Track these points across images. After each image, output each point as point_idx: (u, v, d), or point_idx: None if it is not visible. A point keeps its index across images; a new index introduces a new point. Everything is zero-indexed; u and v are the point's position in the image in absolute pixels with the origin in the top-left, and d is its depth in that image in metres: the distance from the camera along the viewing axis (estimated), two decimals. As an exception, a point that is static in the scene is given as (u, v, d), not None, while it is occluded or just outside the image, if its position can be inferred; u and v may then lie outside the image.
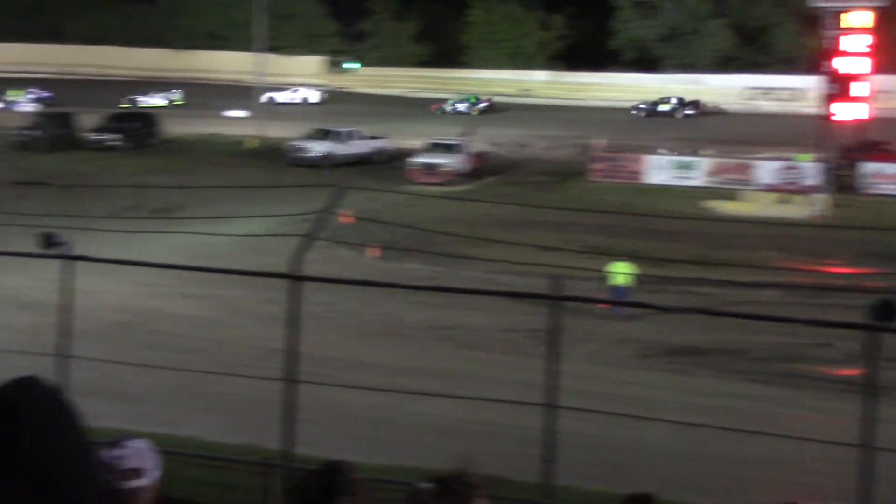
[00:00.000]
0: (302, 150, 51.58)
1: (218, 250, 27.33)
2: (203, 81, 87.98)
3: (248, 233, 28.69)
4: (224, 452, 14.87)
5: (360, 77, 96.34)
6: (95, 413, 2.36)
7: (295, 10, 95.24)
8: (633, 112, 77.58)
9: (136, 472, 3.91)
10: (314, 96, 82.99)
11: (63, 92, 75.77)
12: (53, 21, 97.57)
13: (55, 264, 11.81)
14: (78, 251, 11.73)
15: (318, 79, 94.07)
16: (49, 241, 11.37)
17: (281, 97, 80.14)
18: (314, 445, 12.25)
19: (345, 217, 26.85)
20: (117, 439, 3.96)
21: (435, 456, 12.32)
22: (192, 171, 47.02)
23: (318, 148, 51.31)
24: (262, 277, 14.24)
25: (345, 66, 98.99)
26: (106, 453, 3.77)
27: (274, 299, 14.24)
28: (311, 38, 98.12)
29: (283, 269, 11.63)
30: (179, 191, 37.46)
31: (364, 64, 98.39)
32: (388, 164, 50.75)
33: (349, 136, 52.91)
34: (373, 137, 54.07)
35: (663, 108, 78.20)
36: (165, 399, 18.22)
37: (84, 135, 55.89)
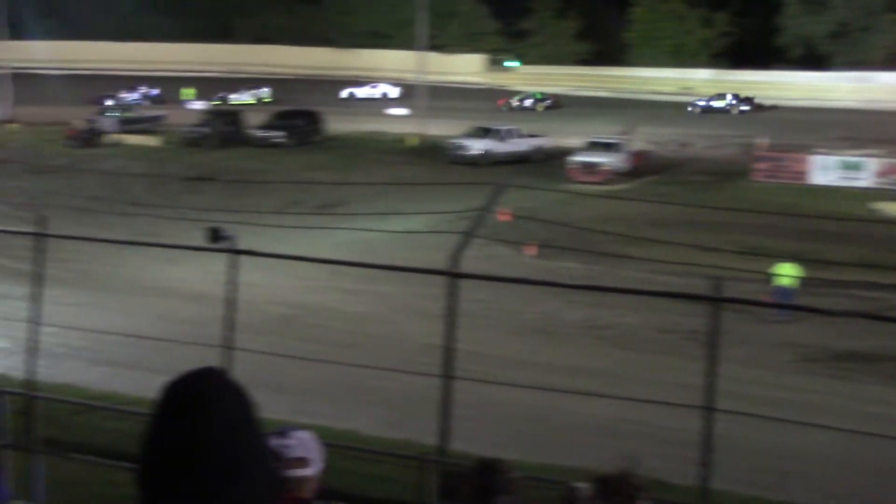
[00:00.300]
0: (461, 147, 51.92)
1: (378, 246, 27.68)
2: (366, 80, 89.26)
3: (407, 229, 28.97)
4: (380, 446, 15.08)
5: (520, 75, 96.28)
6: (258, 404, 2.43)
7: (457, 9, 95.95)
8: (689, 109, 76.75)
9: (302, 462, 4.01)
10: (393, 92, 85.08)
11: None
12: (223, 21, 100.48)
13: (221, 257, 12.14)
14: (243, 245, 12.03)
15: (478, 77, 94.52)
16: (216, 235, 11.67)
17: (361, 92, 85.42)
18: (470, 442, 12.32)
19: (503, 215, 26.89)
20: (284, 429, 4.07)
21: (591, 455, 12.28)
22: (353, 168, 47.75)
23: (477, 146, 51.57)
24: (420, 274, 14.37)
25: (505, 64, 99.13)
26: (274, 442, 3.88)
27: (431, 296, 14.36)
28: (472, 37, 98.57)
29: (441, 265, 11.72)
30: (341, 187, 38.08)
31: (525, 62, 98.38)
32: (547, 162, 50.65)
33: (508, 135, 53.03)
34: (532, 136, 54.07)
35: (718, 104, 77.62)
36: (324, 392, 18.56)
37: (251, 132, 57.30)
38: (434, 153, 52.78)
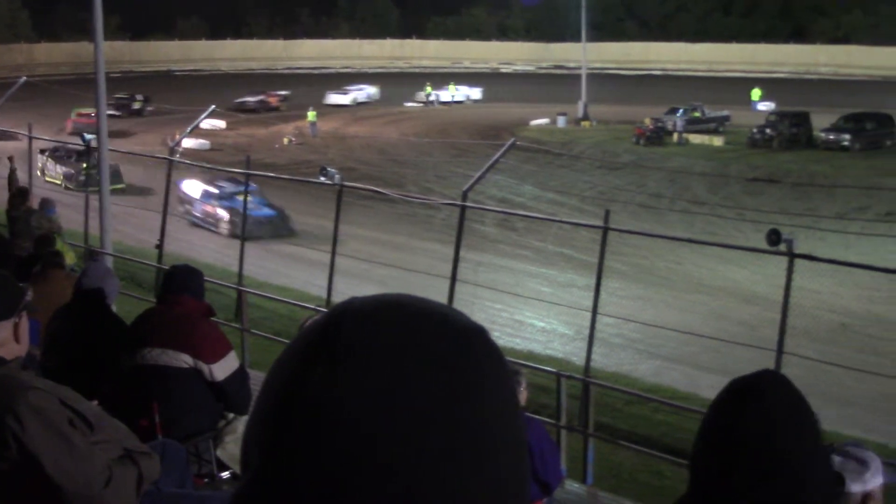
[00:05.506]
0: None
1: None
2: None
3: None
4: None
5: None
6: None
7: None
8: None
9: (864, 480, 3.87)
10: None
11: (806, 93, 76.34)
12: (797, 21, 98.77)
13: (777, 260, 12.05)
14: (801, 250, 11.85)
15: None
16: (775, 237, 11.58)
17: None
18: None
19: None
20: (846, 444, 3.95)
21: None
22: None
23: None
24: None
25: None
26: (838, 457, 3.81)
27: None
28: None
29: None
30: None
31: None
32: None
33: None
34: None
35: None
36: (879, 407, 17.77)
37: (818, 134, 55.95)
38: None
